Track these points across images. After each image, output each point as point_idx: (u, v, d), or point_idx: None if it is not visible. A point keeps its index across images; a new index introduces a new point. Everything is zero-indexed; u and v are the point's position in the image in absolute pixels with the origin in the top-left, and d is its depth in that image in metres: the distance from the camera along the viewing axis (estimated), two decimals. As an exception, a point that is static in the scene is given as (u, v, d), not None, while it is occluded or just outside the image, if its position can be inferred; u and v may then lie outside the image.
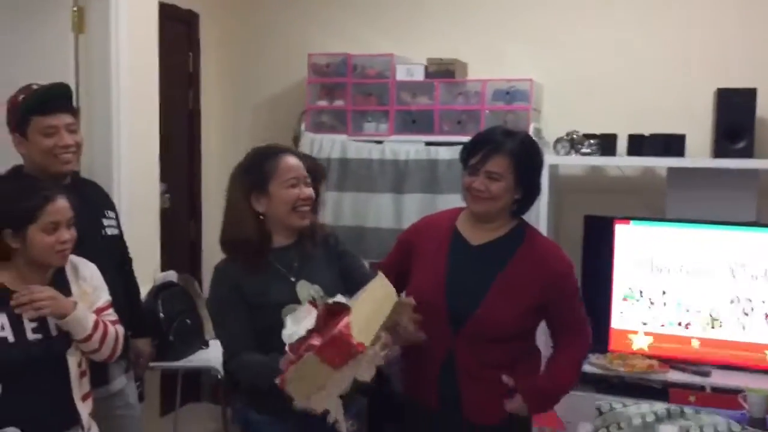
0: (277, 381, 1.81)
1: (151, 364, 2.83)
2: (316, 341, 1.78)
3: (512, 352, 2.17)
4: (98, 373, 2.25)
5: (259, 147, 2.20)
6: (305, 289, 2.07)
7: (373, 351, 1.83)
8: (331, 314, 1.85)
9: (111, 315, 2.19)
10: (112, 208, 2.61)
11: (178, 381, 3.67)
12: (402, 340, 1.99)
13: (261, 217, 2.09)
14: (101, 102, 3.14)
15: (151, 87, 3.42)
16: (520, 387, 2.14)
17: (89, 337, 2.06)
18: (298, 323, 1.87)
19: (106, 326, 2.12)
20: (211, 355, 3.43)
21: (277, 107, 4.40)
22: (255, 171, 2.10)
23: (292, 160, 2.12)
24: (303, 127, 4.04)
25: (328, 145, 3.92)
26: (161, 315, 3.22)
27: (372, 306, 1.91)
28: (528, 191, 2.16)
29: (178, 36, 4.23)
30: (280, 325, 1.98)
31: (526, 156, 2.13)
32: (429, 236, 2.25)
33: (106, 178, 3.04)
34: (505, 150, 2.09)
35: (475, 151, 2.12)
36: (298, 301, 2.04)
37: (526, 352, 2.24)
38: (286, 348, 1.84)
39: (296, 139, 4.07)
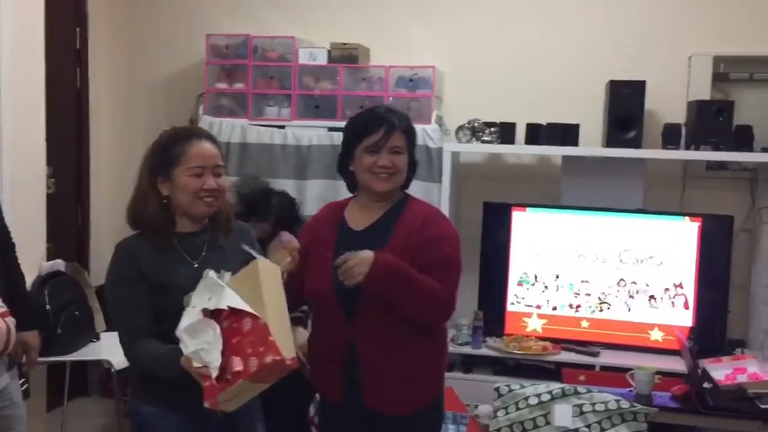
0: (207, 405, 1.79)
1: (39, 358, 2.66)
2: (239, 366, 1.77)
3: (411, 334, 2.13)
4: None
5: (175, 127, 2.13)
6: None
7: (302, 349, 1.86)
8: (228, 320, 1.83)
9: (0, 306, 2.04)
10: None
11: (65, 375, 3.49)
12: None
13: (164, 200, 2.03)
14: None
15: (36, 63, 3.20)
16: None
17: None
18: (196, 337, 1.82)
19: None
20: (102, 347, 3.29)
21: (173, 89, 4.24)
22: (162, 153, 2.03)
23: (202, 147, 2.03)
24: (201, 110, 3.92)
25: (228, 130, 3.81)
26: (48, 306, 3.05)
27: (276, 301, 1.88)
28: (411, 165, 2.23)
29: (64, 10, 3.98)
30: (180, 309, 1.93)
31: (411, 130, 2.22)
32: (318, 232, 2.24)
33: (-14, 161, 2.83)
34: (401, 127, 2.16)
35: (372, 131, 2.14)
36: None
37: (427, 335, 2.18)
38: (209, 374, 1.80)
39: (193, 123, 3.93)
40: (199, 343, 1.81)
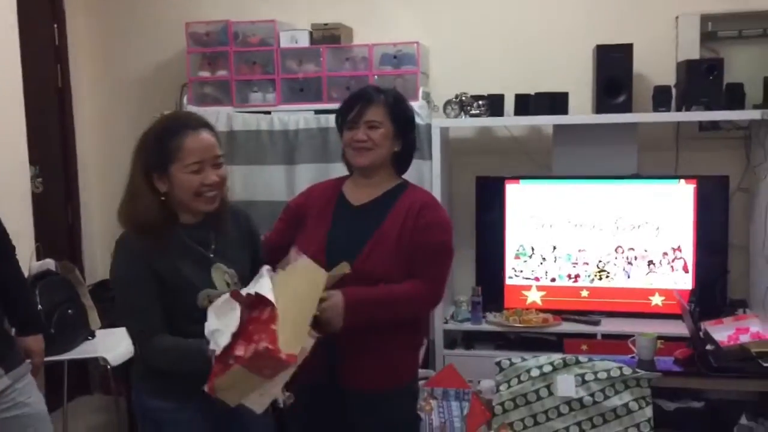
0: (205, 388, 1.72)
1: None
2: (241, 350, 1.69)
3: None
4: None
5: (168, 116, 1.96)
6: (220, 273, 1.95)
7: (304, 352, 1.77)
8: (254, 307, 1.77)
9: None
10: None
11: (64, 374, 3.45)
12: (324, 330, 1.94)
13: (162, 197, 1.90)
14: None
15: (11, 62, 3.15)
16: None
17: None
18: (220, 318, 1.76)
19: None
20: (98, 344, 3.26)
21: (155, 80, 4.17)
22: (156, 149, 1.87)
23: (199, 140, 1.88)
24: (185, 100, 3.86)
25: (213, 118, 3.67)
26: (39, 307, 3.01)
27: (299, 301, 1.83)
28: (405, 144, 2.23)
29: (40, 6, 3.92)
30: (193, 307, 1.88)
31: (398, 106, 2.21)
32: (316, 201, 2.27)
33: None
34: (380, 100, 2.18)
35: (350, 107, 2.18)
36: (212, 284, 1.92)
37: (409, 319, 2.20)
38: (212, 355, 1.73)
39: (178, 113, 3.88)
40: (219, 324, 1.75)
